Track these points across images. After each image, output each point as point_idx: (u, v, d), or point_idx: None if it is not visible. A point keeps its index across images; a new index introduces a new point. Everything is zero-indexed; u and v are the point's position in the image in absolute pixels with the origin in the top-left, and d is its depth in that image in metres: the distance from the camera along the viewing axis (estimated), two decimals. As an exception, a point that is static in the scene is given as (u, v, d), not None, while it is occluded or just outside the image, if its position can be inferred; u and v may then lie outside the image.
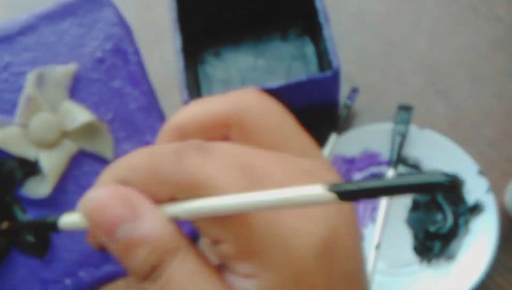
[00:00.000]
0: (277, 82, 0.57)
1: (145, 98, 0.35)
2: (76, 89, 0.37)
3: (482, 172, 0.60)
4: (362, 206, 0.62)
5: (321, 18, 0.60)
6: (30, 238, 0.36)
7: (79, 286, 0.36)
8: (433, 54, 0.68)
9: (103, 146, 0.36)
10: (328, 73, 0.57)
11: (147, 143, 0.35)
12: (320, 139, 0.64)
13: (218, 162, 0.21)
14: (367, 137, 0.63)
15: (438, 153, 0.62)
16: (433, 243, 0.59)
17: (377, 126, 0.63)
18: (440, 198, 0.61)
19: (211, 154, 0.21)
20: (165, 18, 0.69)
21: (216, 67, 0.68)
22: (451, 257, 0.58)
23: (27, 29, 0.38)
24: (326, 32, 0.59)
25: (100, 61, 0.37)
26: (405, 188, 0.18)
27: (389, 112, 0.65)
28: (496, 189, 0.61)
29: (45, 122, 0.36)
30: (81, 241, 0.36)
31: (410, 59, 0.68)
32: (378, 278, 0.58)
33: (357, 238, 0.23)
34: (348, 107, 0.65)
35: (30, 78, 0.37)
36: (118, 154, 0.36)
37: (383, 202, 0.60)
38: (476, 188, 0.60)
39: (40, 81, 0.36)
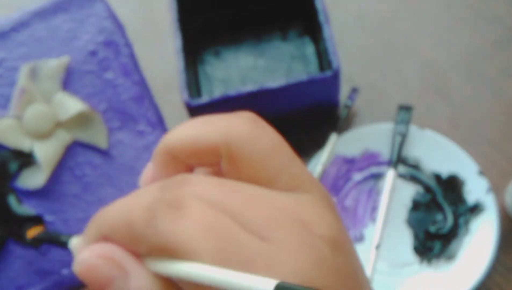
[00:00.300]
0: (277, 82, 0.57)
1: (137, 88, 0.36)
2: (70, 81, 0.37)
3: (482, 172, 0.60)
4: (362, 206, 0.62)
5: (321, 18, 0.60)
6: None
7: (75, 276, 0.36)
8: (433, 54, 0.68)
9: (97, 135, 0.36)
10: (328, 73, 0.57)
11: (140, 132, 0.35)
12: (320, 139, 0.64)
13: (191, 226, 0.21)
14: (367, 137, 0.63)
15: (438, 153, 0.62)
16: (433, 243, 0.59)
17: (377, 126, 0.63)
18: (440, 198, 0.61)
19: (184, 214, 0.22)
20: (165, 18, 0.70)
21: (216, 67, 0.68)
22: (451, 257, 0.58)
23: (20, 25, 0.39)
24: (326, 32, 0.59)
25: (93, 53, 0.37)
26: None
27: (389, 112, 0.65)
28: (496, 189, 0.60)
29: (39, 113, 0.36)
30: (77, 232, 0.36)
31: (410, 59, 0.68)
32: (378, 278, 0.57)
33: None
34: (348, 107, 0.65)
35: (23, 71, 0.37)
36: (112, 144, 0.36)
37: (383, 202, 0.60)
38: (476, 188, 0.59)
39: (34, 74, 0.37)
